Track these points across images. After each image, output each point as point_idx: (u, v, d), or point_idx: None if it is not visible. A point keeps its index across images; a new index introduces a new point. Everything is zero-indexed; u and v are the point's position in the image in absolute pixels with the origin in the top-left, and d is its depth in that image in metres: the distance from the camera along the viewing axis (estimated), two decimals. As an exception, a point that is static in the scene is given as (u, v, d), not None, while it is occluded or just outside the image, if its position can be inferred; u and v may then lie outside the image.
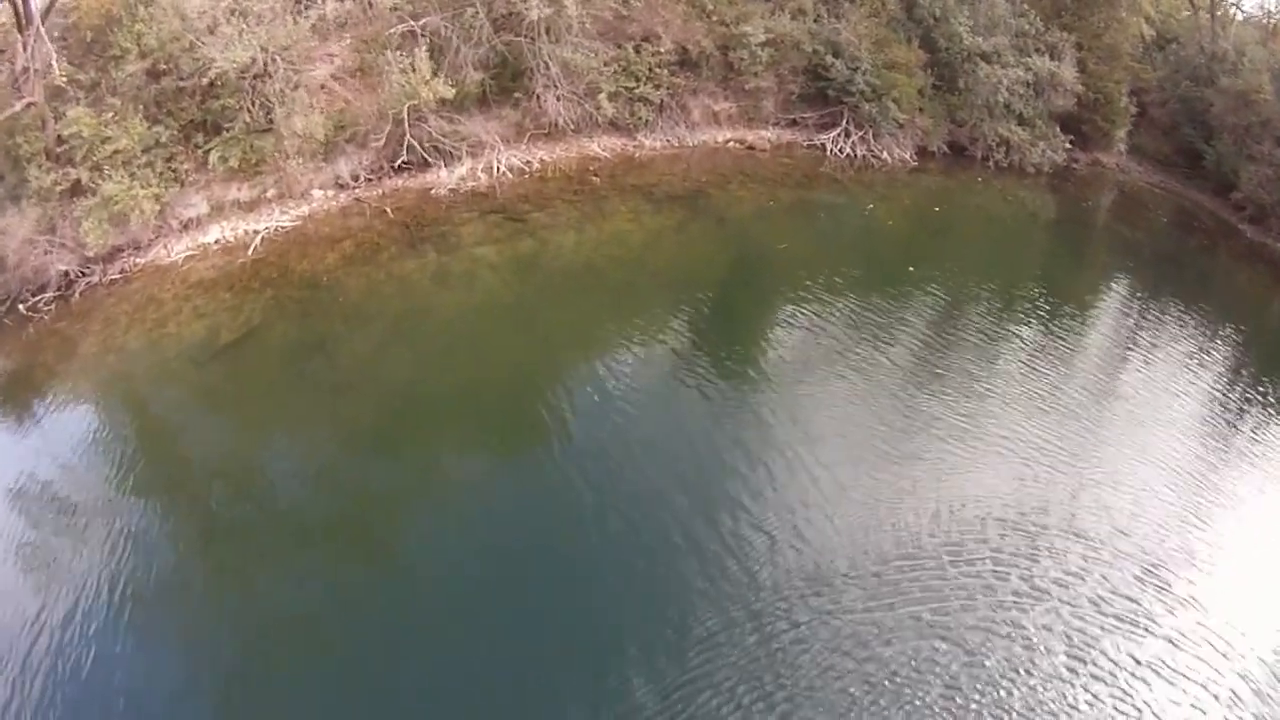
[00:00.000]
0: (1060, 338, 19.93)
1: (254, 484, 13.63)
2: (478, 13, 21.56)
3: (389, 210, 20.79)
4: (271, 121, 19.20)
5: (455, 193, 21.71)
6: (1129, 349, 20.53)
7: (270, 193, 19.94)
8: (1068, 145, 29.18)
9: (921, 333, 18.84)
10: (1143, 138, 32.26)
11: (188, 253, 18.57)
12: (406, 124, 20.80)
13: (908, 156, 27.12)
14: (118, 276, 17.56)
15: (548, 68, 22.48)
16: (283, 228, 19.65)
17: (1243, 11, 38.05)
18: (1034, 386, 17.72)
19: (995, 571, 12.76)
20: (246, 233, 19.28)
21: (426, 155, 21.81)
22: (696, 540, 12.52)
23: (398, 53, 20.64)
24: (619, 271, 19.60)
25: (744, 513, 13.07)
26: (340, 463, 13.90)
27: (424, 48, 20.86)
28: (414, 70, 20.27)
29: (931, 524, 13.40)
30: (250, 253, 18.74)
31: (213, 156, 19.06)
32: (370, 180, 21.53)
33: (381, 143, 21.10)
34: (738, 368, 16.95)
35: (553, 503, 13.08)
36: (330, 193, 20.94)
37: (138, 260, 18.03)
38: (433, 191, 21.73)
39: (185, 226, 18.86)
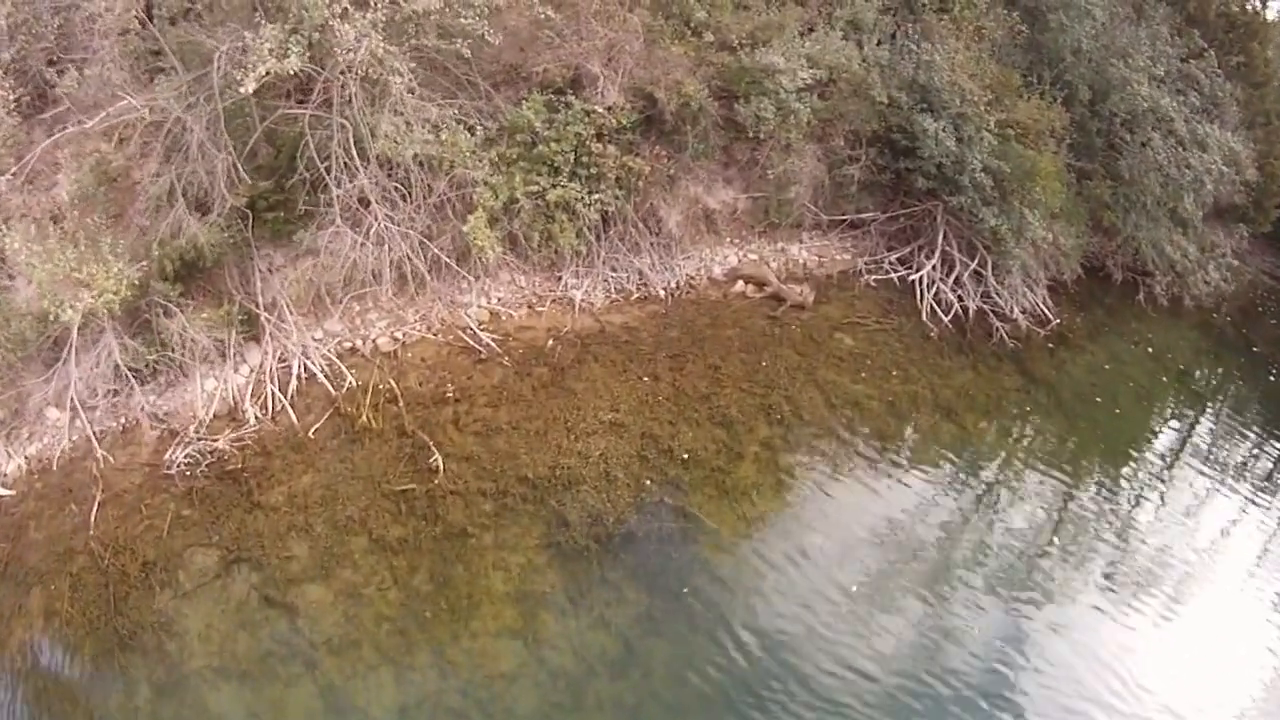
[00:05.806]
0: None
1: None
2: (221, 73, 7.97)
3: (99, 508, 8.99)
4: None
5: (195, 463, 9.42)
6: None
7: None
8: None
9: None
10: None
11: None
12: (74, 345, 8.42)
13: (1041, 303, 15.14)
14: None
15: (351, 168, 8.82)
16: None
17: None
18: None
19: None
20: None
21: (154, 366, 9.69)
22: None
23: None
24: None
25: None
26: None
27: (73, 187, 8.60)
28: (51, 257, 8.07)
29: None
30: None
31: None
32: (113, 394, 10.23)
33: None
34: None
35: None
36: (65, 417, 10.32)
37: None
38: (168, 457, 9.45)
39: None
